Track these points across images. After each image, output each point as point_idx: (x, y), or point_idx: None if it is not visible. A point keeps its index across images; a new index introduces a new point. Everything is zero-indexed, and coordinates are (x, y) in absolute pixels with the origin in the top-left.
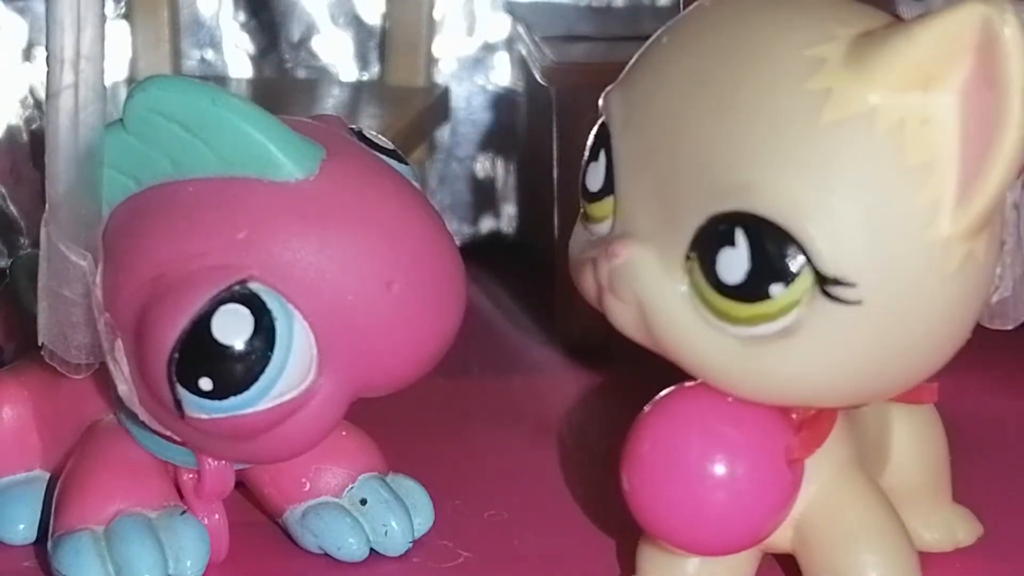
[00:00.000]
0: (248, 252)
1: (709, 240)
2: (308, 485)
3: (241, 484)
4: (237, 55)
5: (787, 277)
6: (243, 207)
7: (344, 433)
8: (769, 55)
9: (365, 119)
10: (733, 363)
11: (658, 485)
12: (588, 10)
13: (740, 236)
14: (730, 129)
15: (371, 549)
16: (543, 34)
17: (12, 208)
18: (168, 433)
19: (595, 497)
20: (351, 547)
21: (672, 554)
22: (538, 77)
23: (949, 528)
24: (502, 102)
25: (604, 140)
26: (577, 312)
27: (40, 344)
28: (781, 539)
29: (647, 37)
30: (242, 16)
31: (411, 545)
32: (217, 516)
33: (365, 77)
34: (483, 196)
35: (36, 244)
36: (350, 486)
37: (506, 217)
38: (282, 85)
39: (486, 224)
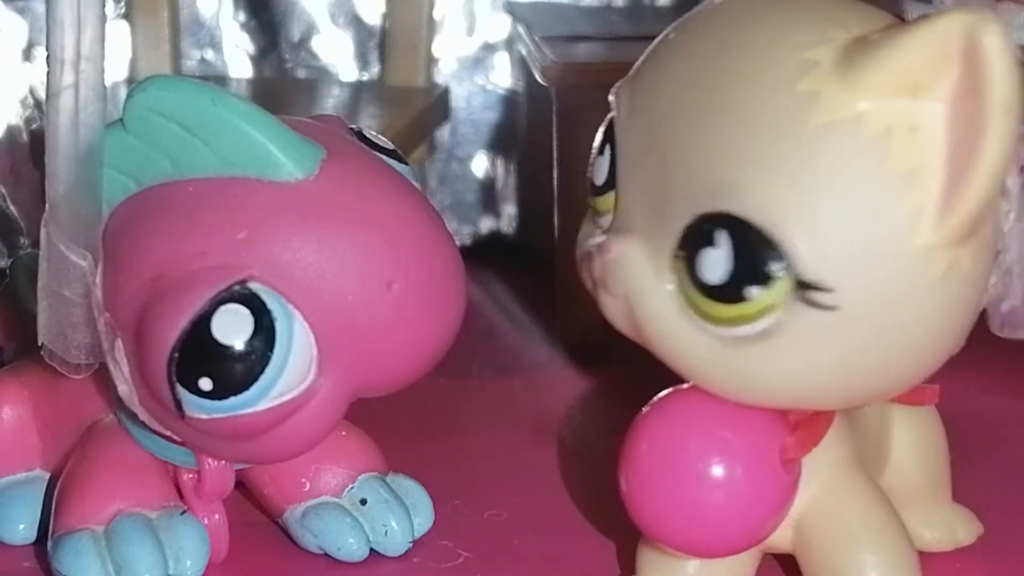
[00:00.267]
0: (248, 252)
1: (694, 239)
2: (308, 485)
3: (241, 484)
4: (237, 55)
5: (766, 280)
6: (243, 207)
7: (344, 433)
8: (767, 55)
9: (365, 119)
10: (716, 363)
11: (656, 486)
12: (588, 10)
13: (723, 237)
14: (720, 128)
15: (371, 549)
16: (543, 34)
17: (12, 208)
18: (168, 433)
19: (595, 497)
20: (351, 547)
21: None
22: (538, 77)
23: (949, 528)
24: (502, 102)
25: (610, 135)
26: (577, 312)
27: (40, 344)
28: (781, 539)
29: (647, 37)
30: (242, 16)
31: (411, 545)
32: (217, 516)
33: (365, 77)
34: (483, 196)
35: (36, 244)
36: (350, 486)
37: (506, 217)
38: (282, 85)
39: (486, 224)
